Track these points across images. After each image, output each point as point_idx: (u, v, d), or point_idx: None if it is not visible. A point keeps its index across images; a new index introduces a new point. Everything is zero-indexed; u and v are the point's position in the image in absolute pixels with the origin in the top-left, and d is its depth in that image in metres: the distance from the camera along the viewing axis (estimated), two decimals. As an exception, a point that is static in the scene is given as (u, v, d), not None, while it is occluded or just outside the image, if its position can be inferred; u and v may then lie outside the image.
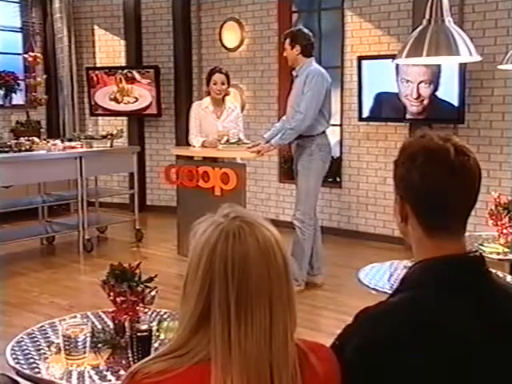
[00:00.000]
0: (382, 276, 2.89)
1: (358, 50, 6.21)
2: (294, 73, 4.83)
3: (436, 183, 1.31)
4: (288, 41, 4.72)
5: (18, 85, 7.63)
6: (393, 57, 5.44)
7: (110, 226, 6.77)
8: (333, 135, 6.76)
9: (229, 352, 1.12)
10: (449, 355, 1.23)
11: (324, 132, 4.79)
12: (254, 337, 1.13)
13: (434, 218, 1.34)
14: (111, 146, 6.21)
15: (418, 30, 2.74)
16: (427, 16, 2.70)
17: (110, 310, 2.21)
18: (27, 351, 2.03)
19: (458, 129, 5.61)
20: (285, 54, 4.84)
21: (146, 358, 1.19)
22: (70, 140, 6.45)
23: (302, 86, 4.60)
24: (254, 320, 1.13)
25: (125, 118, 7.81)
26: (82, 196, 5.87)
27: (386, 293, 2.52)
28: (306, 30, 4.83)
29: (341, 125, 6.56)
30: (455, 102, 5.51)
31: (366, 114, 6.13)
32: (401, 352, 1.24)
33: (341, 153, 6.59)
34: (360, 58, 6.06)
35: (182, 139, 7.47)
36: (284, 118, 5.03)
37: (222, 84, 5.31)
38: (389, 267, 3.03)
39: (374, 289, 2.70)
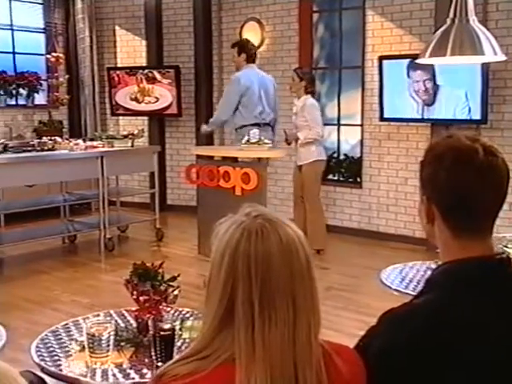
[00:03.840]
0: (404, 277, 2.86)
1: (379, 49, 6.18)
2: None
3: (464, 184, 1.29)
4: (236, 49, 5.66)
5: (41, 85, 7.73)
6: (414, 56, 5.46)
7: (131, 225, 6.82)
8: (353, 135, 6.76)
9: (253, 351, 1.12)
10: (475, 357, 1.22)
11: (244, 126, 5.53)
12: (278, 335, 1.13)
13: (461, 220, 1.32)
14: (132, 146, 6.24)
15: (441, 29, 2.72)
16: (451, 15, 2.68)
17: (133, 308, 2.23)
18: (52, 348, 2.05)
19: (480, 129, 5.55)
20: (233, 60, 5.78)
21: (172, 360, 1.20)
22: (91, 140, 6.50)
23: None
24: (278, 318, 1.13)
25: (145, 118, 7.85)
26: (104, 195, 5.90)
27: (408, 294, 2.50)
28: (251, 41, 5.96)
29: (361, 125, 6.53)
30: (478, 101, 5.46)
31: (387, 114, 6.09)
32: (425, 354, 1.23)
33: (361, 153, 6.55)
34: (381, 58, 6.02)
35: (202, 139, 7.51)
36: None
37: None
38: (411, 268, 3.00)
39: (396, 290, 2.68)
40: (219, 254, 1.18)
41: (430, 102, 5.76)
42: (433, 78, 5.67)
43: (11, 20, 7.54)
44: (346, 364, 1.21)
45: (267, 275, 1.13)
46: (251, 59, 5.68)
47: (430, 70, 5.56)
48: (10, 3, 7.53)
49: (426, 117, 5.86)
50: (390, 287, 2.73)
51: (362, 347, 1.33)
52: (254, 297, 1.12)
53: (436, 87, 5.70)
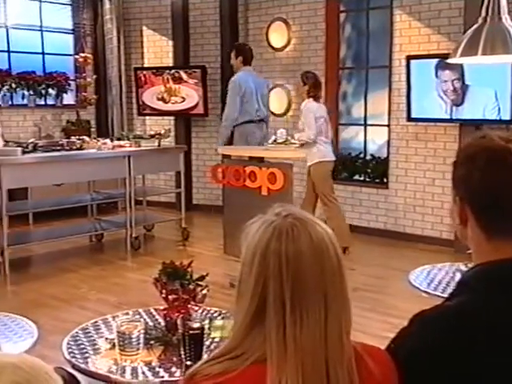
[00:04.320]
0: (433, 279, 2.84)
1: (407, 49, 6.13)
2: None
3: (497, 184, 1.27)
4: (234, 52, 6.08)
5: (69, 85, 7.82)
6: (443, 56, 5.41)
7: (157, 224, 6.86)
8: (380, 135, 6.72)
9: (284, 351, 1.12)
10: (507, 360, 1.20)
11: (244, 123, 6.06)
12: (310, 334, 1.12)
13: (494, 221, 1.30)
14: (159, 146, 6.27)
15: (473, 28, 2.68)
16: (483, 14, 2.65)
17: (161, 307, 2.24)
18: (82, 346, 2.07)
19: (510, 130, 5.48)
20: (231, 62, 6.18)
21: (204, 360, 1.20)
22: (118, 139, 6.55)
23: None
24: (310, 317, 1.13)
25: (172, 118, 7.89)
26: (131, 194, 5.94)
27: (437, 296, 2.48)
28: (248, 45, 6.41)
29: (388, 125, 6.48)
30: (508, 101, 5.39)
31: (414, 114, 6.04)
32: (457, 357, 1.22)
33: (388, 153, 6.51)
34: (409, 58, 5.97)
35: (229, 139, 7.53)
36: None
37: None
38: (440, 270, 2.97)
39: (425, 291, 2.66)
40: (250, 254, 1.18)
41: (458, 102, 5.70)
42: (461, 77, 5.60)
43: (41, 21, 7.65)
44: (377, 365, 1.20)
45: (298, 274, 1.13)
46: (248, 62, 6.11)
47: (458, 69, 5.50)
48: (40, 5, 7.63)
49: (454, 117, 5.79)
50: (418, 289, 2.71)
51: (393, 349, 1.32)
52: (285, 296, 1.12)
53: (465, 87, 5.63)
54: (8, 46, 7.38)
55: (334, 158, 5.95)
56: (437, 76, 5.78)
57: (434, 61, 5.76)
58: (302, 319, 1.12)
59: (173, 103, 7.69)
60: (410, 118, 6.10)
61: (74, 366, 1.94)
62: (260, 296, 1.14)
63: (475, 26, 2.67)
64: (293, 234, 1.15)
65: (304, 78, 5.93)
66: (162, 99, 7.71)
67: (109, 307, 4.38)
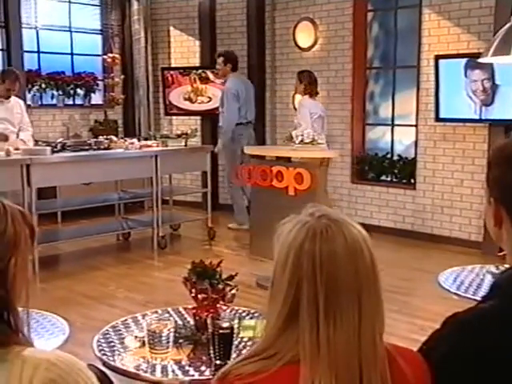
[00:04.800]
0: (463, 281, 2.80)
1: (436, 48, 6.06)
2: (223, 82, 6.70)
3: (533, 186, 1.26)
4: (222, 59, 6.44)
5: (97, 85, 7.90)
6: (472, 55, 5.35)
7: (183, 223, 6.89)
8: (407, 136, 6.66)
9: (317, 351, 1.12)
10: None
11: (240, 124, 6.54)
12: (343, 335, 1.12)
13: (530, 222, 1.28)
14: (186, 145, 6.30)
15: (505, 27, 2.65)
16: (516, 13, 2.61)
17: (190, 306, 2.25)
18: (112, 343, 2.09)
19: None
20: (219, 68, 6.56)
21: (237, 359, 1.20)
22: (145, 139, 6.60)
23: (222, 97, 6.53)
24: (343, 318, 1.12)
25: (198, 118, 7.92)
26: (157, 194, 5.98)
27: (467, 298, 2.45)
28: (234, 52, 6.78)
29: (416, 125, 6.42)
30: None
31: (442, 114, 5.98)
32: (491, 361, 1.20)
33: (415, 154, 6.45)
34: (437, 57, 5.91)
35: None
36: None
37: None
38: (470, 272, 2.94)
39: (455, 294, 2.63)
40: (283, 254, 1.18)
41: (488, 102, 5.62)
42: (491, 77, 5.53)
43: (70, 22, 7.73)
44: (410, 366, 1.20)
45: (332, 275, 1.13)
46: (236, 68, 6.58)
47: (488, 69, 5.43)
48: (69, 6, 7.72)
49: (483, 117, 5.72)
50: (448, 291, 2.68)
51: (425, 351, 1.31)
52: (319, 297, 1.12)
53: (495, 87, 5.56)
54: (38, 47, 7.48)
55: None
56: (466, 76, 5.71)
57: (464, 60, 5.70)
58: (335, 320, 1.12)
59: (199, 103, 7.72)
60: (438, 118, 6.04)
61: (104, 364, 1.96)
62: (293, 297, 1.14)
63: (508, 25, 2.63)
64: (327, 235, 1.15)
65: (300, 76, 6.27)
66: (189, 99, 7.74)
67: (136, 305, 4.42)
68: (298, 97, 6.63)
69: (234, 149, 6.57)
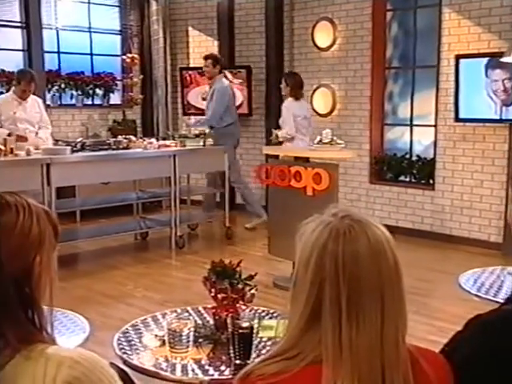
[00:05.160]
0: (484, 282, 2.78)
1: (456, 48, 6.01)
2: (210, 84, 6.82)
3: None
4: (210, 61, 6.62)
5: (116, 85, 7.95)
6: (493, 55, 5.30)
7: (200, 223, 6.91)
8: (426, 136, 6.62)
9: (340, 353, 1.11)
10: None
11: (228, 125, 6.72)
12: (366, 337, 1.11)
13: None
14: (204, 145, 6.31)
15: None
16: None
17: (209, 305, 2.25)
18: (132, 342, 2.10)
19: None
20: (207, 70, 6.68)
21: (259, 359, 1.20)
22: (164, 139, 6.62)
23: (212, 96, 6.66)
24: (366, 319, 1.12)
25: (216, 118, 7.92)
26: (176, 193, 6.00)
27: (489, 300, 2.43)
28: (219, 55, 7.00)
29: (435, 125, 6.37)
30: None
31: (462, 114, 5.93)
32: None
33: (434, 154, 6.40)
34: (458, 57, 5.87)
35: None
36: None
37: None
38: (491, 274, 2.91)
39: (476, 295, 2.60)
40: (306, 255, 1.17)
41: (508, 102, 5.57)
42: (513, 77, 5.48)
43: (89, 23, 7.79)
44: (432, 368, 1.19)
45: (355, 275, 1.12)
46: (221, 70, 6.79)
47: (509, 68, 5.37)
48: (89, 7, 7.77)
49: (504, 117, 5.66)
50: (469, 292, 2.65)
51: (447, 352, 1.30)
52: (341, 297, 1.11)
53: (516, 86, 5.50)
54: (58, 47, 7.54)
55: None
56: (487, 75, 5.66)
57: (484, 60, 5.64)
58: (358, 321, 1.12)
59: (217, 103, 7.71)
60: (458, 119, 5.99)
61: (125, 362, 1.96)
62: (316, 297, 1.14)
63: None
64: (350, 236, 1.14)
65: (286, 78, 6.41)
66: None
67: (154, 305, 4.44)
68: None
69: (231, 149, 6.75)
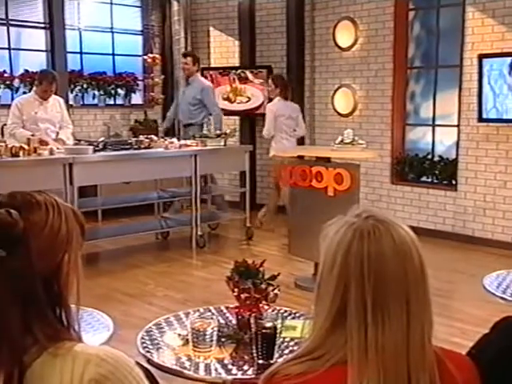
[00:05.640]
0: (509, 284, 2.74)
1: (479, 47, 5.95)
2: (188, 81, 6.92)
3: None
4: (191, 59, 6.73)
5: (138, 85, 8.00)
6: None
7: (221, 223, 6.92)
8: (449, 136, 6.56)
9: (365, 353, 1.11)
10: None
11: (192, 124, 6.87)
12: (392, 337, 1.11)
13: None
14: (225, 145, 6.32)
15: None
16: None
17: (232, 305, 2.25)
18: (156, 341, 2.11)
19: None
20: (187, 67, 6.74)
21: (284, 360, 1.20)
22: (184, 138, 6.64)
23: (200, 94, 6.72)
24: (391, 320, 1.11)
25: (237, 118, 7.94)
26: (196, 193, 6.01)
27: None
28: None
29: (458, 125, 6.32)
30: None
31: (485, 114, 5.87)
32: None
33: (457, 154, 6.34)
34: (481, 56, 5.81)
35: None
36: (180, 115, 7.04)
37: None
38: (516, 275, 2.87)
39: (501, 297, 2.57)
40: (330, 255, 1.17)
41: (533, 102, 5.50)
42: (537, 76, 5.41)
43: (112, 23, 7.84)
44: (459, 370, 1.18)
45: (380, 276, 1.12)
46: (199, 68, 6.96)
47: (534, 68, 5.31)
48: (111, 7, 7.83)
49: (528, 117, 5.60)
50: (494, 294, 2.62)
51: (473, 355, 1.29)
52: (367, 297, 1.11)
53: (541, 86, 5.43)
54: (80, 48, 7.61)
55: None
56: (510, 75, 5.60)
57: (508, 59, 5.58)
58: (383, 322, 1.11)
59: (238, 103, 7.74)
60: (481, 119, 5.93)
61: (149, 361, 1.97)
62: (341, 298, 1.13)
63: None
64: (375, 236, 1.14)
65: (275, 80, 6.61)
66: (228, 99, 7.77)
67: (175, 304, 4.46)
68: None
69: None
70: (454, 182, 6.41)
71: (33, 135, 5.50)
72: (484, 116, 5.89)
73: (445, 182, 6.55)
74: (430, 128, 6.74)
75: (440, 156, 6.62)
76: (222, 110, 7.84)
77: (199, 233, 6.10)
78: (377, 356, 1.10)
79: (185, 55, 6.89)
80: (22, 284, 1.08)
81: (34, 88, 5.93)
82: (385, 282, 1.12)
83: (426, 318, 1.15)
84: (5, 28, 7.00)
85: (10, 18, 7.00)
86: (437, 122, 6.69)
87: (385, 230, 1.15)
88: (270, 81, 6.81)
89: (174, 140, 6.14)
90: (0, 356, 1.05)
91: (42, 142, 5.57)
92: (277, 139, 6.56)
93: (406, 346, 1.11)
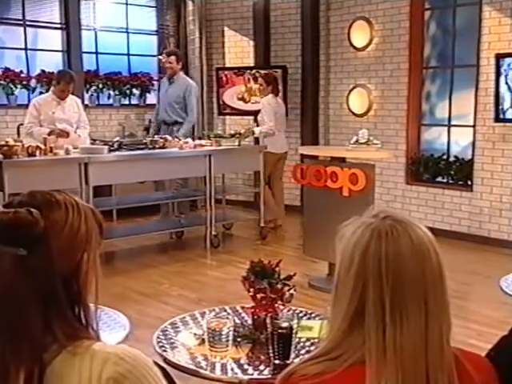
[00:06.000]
0: (527, 286, 2.72)
1: (496, 47, 5.90)
2: (171, 80, 6.79)
3: None
4: (174, 58, 6.71)
5: (153, 85, 8.01)
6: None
7: (235, 223, 6.92)
8: (464, 136, 6.52)
9: (383, 354, 1.11)
10: None
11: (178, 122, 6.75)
12: (410, 338, 1.11)
13: None
14: (239, 145, 6.32)
15: None
16: None
17: (247, 305, 2.25)
18: (172, 340, 2.11)
19: None
20: (170, 66, 6.69)
21: (301, 360, 1.20)
22: (199, 138, 6.65)
23: (184, 93, 6.67)
24: (410, 320, 1.11)
25: (251, 118, 7.93)
26: (211, 193, 6.02)
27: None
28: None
29: (474, 126, 6.27)
30: None
31: (503, 114, 5.82)
32: None
33: (473, 155, 6.30)
34: (498, 56, 5.76)
35: (307, 138, 7.50)
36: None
37: None
38: (534, 277, 2.85)
39: (519, 299, 2.55)
40: (348, 255, 1.17)
41: (550, 102, 5.45)
42: (555, 76, 5.36)
43: (127, 23, 7.87)
44: (477, 372, 1.18)
45: (398, 276, 1.12)
46: (182, 67, 6.95)
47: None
48: (127, 8, 7.86)
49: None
50: (510, 296, 2.60)
51: (492, 356, 1.28)
52: (385, 297, 1.11)
53: (558, 86, 5.38)
54: (96, 48, 7.64)
55: (283, 150, 6.89)
56: (528, 75, 5.55)
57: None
58: (402, 322, 1.11)
59: (253, 103, 7.74)
60: (497, 119, 5.89)
61: (165, 360, 1.98)
62: (359, 298, 1.13)
63: None
64: (393, 236, 1.14)
65: (266, 78, 6.79)
66: (243, 99, 7.77)
67: (189, 303, 4.47)
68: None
69: None
70: (469, 183, 6.36)
71: (51, 132, 5.54)
72: (501, 116, 5.85)
73: (460, 183, 6.50)
74: (446, 128, 6.69)
75: (455, 156, 6.58)
76: (237, 110, 7.88)
77: (213, 232, 6.11)
78: (395, 356, 1.10)
79: (168, 54, 6.78)
80: (43, 283, 1.09)
81: (52, 88, 5.97)
82: (403, 282, 1.12)
83: (444, 319, 1.15)
84: (21, 28, 7.05)
85: (26, 18, 7.05)
86: (452, 122, 6.64)
87: (403, 230, 1.15)
88: (260, 79, 6.92)
89: (189, 140, 6.15)
90: (21, 354, 1.05)
91: (63, 133, 5.62)
92: (277, 136, 6.73)
93: (424, 346, 1.11)
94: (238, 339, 2.05)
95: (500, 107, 5.82)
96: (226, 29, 8.17)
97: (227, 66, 8.12)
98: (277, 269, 2.11)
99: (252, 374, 1.88)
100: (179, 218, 6.69)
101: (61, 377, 1.08)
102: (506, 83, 5.74)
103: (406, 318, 1.11)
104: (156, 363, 1.84)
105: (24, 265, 1.08)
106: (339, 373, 1.12)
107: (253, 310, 2.12)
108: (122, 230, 6.35)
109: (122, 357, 1.10)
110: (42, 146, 5.08)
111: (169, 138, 6.10)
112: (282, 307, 2.19)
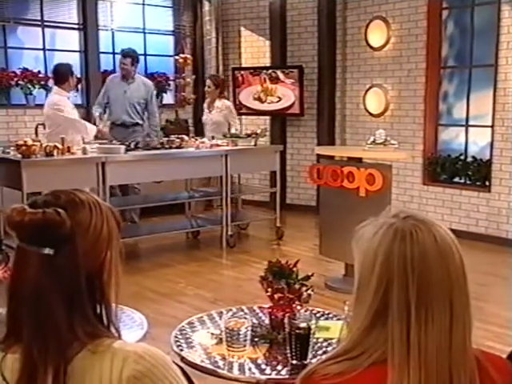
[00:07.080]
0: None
1: (515, 46, 5.86)
2: (129, 81, 6.64)
3: None
4: (130, 60, 6.56)
5: (169, 85, 8.05)
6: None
7: (251, 222, 6.92)
8: (482, 137, 6.46)
9: (407, 352, 1.10)
10: None
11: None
12: (435, 338, 1.10)
13: None
14: (255, 145, 6.32)
15: None
16: None
17: (264, 305, 2.25)
18: (189, 340, 2.11)
19: None
20: (125, 67, 6.56)
21: (321, 359, 1.20)
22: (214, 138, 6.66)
23: (147, 94, 6.66)
24: (435, 320, 1.11)
25: (267, 118, 7.94)
26: (227, 193, 6.03)
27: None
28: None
29: (492, 126, 6.22)
30: None
31: (521, 114, 5.77)
32: None
33: (491, 155, 6.24)
34: (517, 56, 5.71)
35: (324, 138, 7.48)
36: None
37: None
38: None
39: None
40: (370, 257, 1.16)
41: None
42: None
43: (144, 24, 7.91)
44: (499, 374, 1.17)
45: (424, 275, 1.12)
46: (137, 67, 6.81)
47: None
48: (143, 8, 7.89)
49: None
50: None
51: (513, 358, 1.27)
52: (410, 297, 1.11)
53: None
54: (113, 48, 7.68)
55: None
56: (547, 75, 5.49)
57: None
58: (427, 322, 1.11)
59: (269, 103, 7.74)
60: (516, 119, 5.83)
61: (182, 359, 1.98)
62: (381, 298, 1.13)
63: None
64: (417, 236, 1.14)
65: (214, 81, 6.73)
66: (259, 99, 7.77)
67: (205, 303, 4.48)
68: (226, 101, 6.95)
69: None
70: (487, 183, 6.31)
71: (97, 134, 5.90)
72: (519, 116, 5.79)
73: (478, 183, 6.45)
74: (463, 128, 6.64)
75: (473, 157, 6.52)
76: (253, 109, 7.88)
77: (229, 232, 6.11)
78: (419, 356, 1.10)
79: (124, 56, 6.61)
80: (69, 282, 1.10)
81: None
82: (429, 282, 1.12)
83: (467, 319, 1.15)
84: (40, 29, 7.11)
85: (44, 19, 7.11)
86: (470, 123, 6.58)
87: (426, 230, 1.15)
88: (208, 81, 6.81)
89: (205, 140, 6.17)
90: (49, 352, 1.07)
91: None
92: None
93: (448, 346, 1.11)
94: (256, 339, 2.05)
95: (519, 107, 5.76)
96: (242, 29, 8.18)
97: (243, 66, 8.13)
98: (294, 269, 2.11)
99: (270, 374, 1.88)
100: (195, 217, 6.71)
101: (82, 374, 1.09)
102: (525, 83, 5.69)
103: (432, 318, 1.11)
104: (174, 362, 1.85)
105: (51, 264, 1.09)
106: (360, 372, 1.12)
107: (270, 310, 2.12)
108: (138, 230, 6.38)
109: (142, 355, 1.11)
110: (60, 146, 5.12)
111: (185, 137, 6.12)
112: (299, 307, 2.19)
